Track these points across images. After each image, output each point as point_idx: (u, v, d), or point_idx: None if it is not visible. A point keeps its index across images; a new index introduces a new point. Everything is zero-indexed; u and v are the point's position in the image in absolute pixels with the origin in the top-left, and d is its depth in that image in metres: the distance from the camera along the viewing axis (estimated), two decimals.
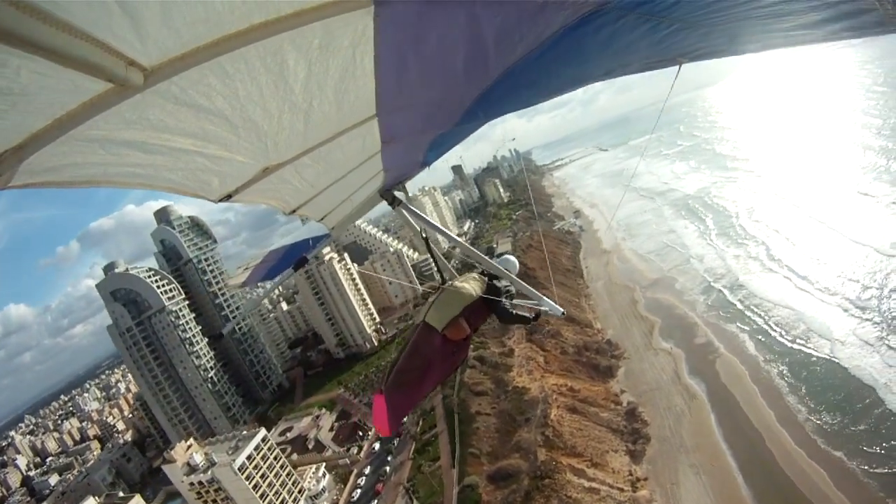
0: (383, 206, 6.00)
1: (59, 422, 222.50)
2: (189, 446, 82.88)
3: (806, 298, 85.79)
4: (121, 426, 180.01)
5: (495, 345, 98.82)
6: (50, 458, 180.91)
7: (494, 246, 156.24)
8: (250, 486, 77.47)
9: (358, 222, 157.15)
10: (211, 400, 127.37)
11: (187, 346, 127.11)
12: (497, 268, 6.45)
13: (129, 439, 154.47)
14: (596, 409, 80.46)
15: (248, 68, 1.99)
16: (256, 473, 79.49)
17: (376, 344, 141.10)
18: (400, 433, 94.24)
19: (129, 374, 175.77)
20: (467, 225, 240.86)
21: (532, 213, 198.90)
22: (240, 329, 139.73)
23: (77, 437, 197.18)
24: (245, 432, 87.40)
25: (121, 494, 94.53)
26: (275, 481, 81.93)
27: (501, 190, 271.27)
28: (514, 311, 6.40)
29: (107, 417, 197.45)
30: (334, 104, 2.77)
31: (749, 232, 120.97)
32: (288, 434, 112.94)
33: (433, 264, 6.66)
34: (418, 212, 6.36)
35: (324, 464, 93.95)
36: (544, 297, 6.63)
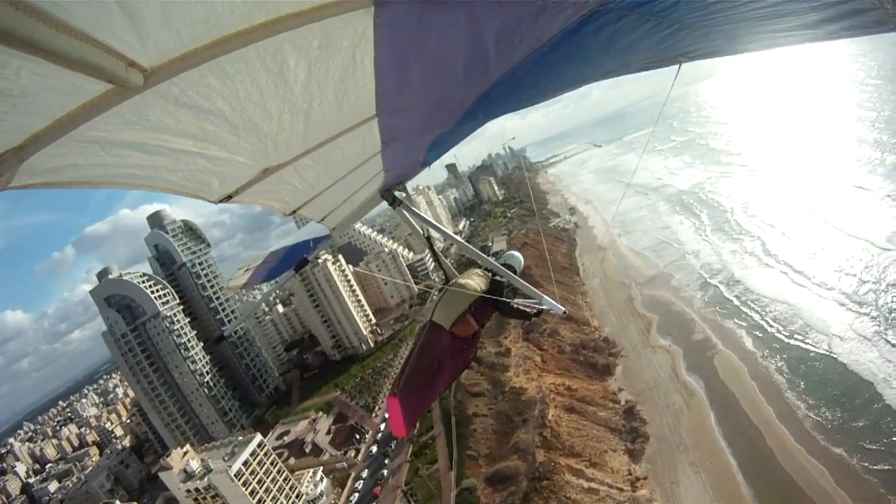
0: (379, 206, 6.10)
1: (58, 428, 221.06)
2: (185, 453, 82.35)
3: (803, 293, 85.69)
4: (119, 432, 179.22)
5: (492, 345, 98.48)
6: (49, 465, 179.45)
7: (490, 244, 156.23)
8: (247, 492, 77.00)
9: None
10: (207, 405, 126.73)
11: (182, 351, 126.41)
12: (497, 266, 6.44)
13: (127, 445, 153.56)
14: (594, 408, 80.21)
15: (248, 69, 2.00)
16: (253, 479, 79.00)
17: (372, 345, 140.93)
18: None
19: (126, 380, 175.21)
20: (462, 223, 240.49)
21: (527, 210, 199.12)
22: (236, 332, 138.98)
23: (76, 444, 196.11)
24: (241, 438, 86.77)
25: (118, 503, 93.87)
26: (272, 486, 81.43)
27: (496, 188, 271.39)
28: (517, 306, 6.42)
29: (105, 423, 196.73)
30: (334, 105, 2.77)
31: (744, 227, 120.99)
32: (285, 438, 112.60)
33: (435, 263, 6.82)
34: (418, 212, 6.36)
35: (321, 468, 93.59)
36: (544, 296, 6.53)
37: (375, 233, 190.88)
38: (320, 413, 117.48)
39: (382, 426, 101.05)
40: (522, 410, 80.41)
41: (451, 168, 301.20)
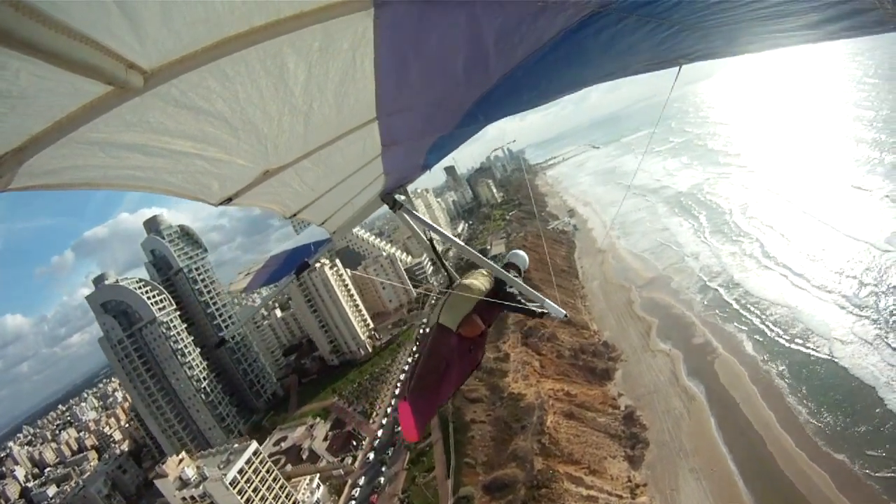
0: (379, 209, 6.07)
1: (57, 432, 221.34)
2: (181, 460, 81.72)
3: (803, 296, 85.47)
4: (118, 436, 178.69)
5: (490, 350, 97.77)
6: (48, 469, 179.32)
7: (488, 248, 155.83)
8: (242, 501, 76.42)
9: None
10: (205, 410, 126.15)
11: (179, 356, 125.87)
12: (498, 270, 6.35)
13: (126, 449, 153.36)
14: (593, 413, 79.69)
15: (248, 71, 2.00)
16: (249, 487, 78.41)
17: (370, 350, 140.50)
18: (394, 442, 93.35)
19: None
20: (461, 226, 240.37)
21: (526, 212, 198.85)
22: (233, 338, 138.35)
23: (75, 448, 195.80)
24: (237, 445, 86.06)
25: None
26: (267, 494, 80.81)
27: (495, 190, 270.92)
28: (522, 304, 6.34)
29: (104, 427, 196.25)
30: (334, 107, 2.76)
31: (743, 229, 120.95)
32: (282, 444, 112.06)
33: (438, 266, 6.83)
34: (420, 215, 6.29)
35: (318, 475, 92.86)
36: (546, 299, 6.45)
37: (374, 236, 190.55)
38: (318, 419, 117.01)
39: (380, 433, 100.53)
40: (521, 417, 79.87)
41: (450, 170, 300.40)
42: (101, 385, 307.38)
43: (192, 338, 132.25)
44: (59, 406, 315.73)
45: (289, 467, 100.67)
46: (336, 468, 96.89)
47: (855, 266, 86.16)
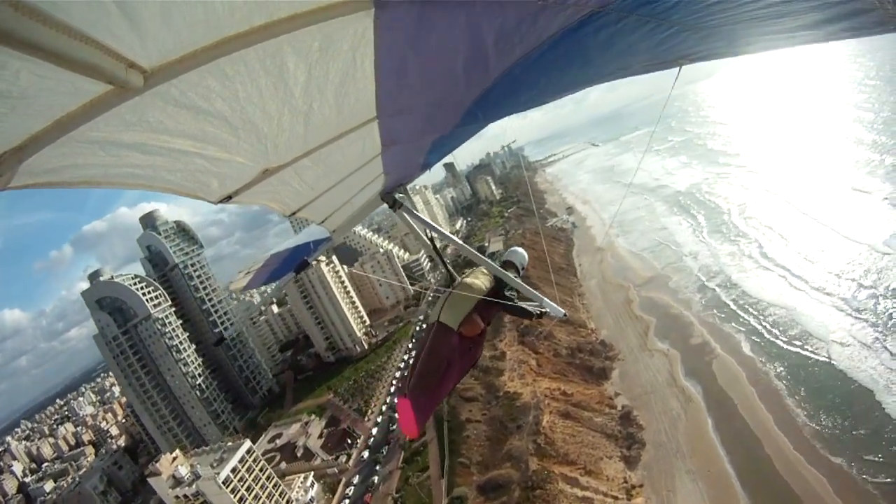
0: (377, 208, 6.10)
1: (55, 427, 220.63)
2: (175, 458, 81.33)
3: (801, 298, 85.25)
4: (114, 431, 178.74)
5: (486, 347, 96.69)
6: (45, 464, 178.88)
7: (486, 245, 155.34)
8: (235, 499, 76.16)
9: None
10: (200, 407, 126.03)
11: (174, 353, 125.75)
12: (497, 269, 6.34)
13: (123, 445, 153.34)
14: (589, 413, 79.34)
15: (247, 71, 2.02)
16: (242, 486, 78.16)
17: (366, 347, 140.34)
18: (389, 441, 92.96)
19: None
20: (459, 223, 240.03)
21: (525, 210, 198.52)
22: (229, 335, 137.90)
23: (72, 443, 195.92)
24: (230, 444, 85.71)
25: None
26: (261, 493, 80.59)
27: (494, 187, 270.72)
28: (521, 305, 6.35)
29: (101, 422, 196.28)
30: (334, 107, 2.76)
31: (741, 229, 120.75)
32: (277, 441, 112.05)
33: (437, 264, 6.89)
34: (420, 214, 6.28)
35: (312, 473, 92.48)
36: (544, 298, 6.47)
37: (371, 233, 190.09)
38: (313, 416, 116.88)
39: (374, 430, 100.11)
40: (516, 416, 79.49)
41: (449, 167, 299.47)
42: (98, 380, 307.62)
43: (188, 334, 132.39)
44: (57, 401, 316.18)
45: (283, 465, 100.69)
46: (330, 466, 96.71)
47: (854, 268, 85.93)
